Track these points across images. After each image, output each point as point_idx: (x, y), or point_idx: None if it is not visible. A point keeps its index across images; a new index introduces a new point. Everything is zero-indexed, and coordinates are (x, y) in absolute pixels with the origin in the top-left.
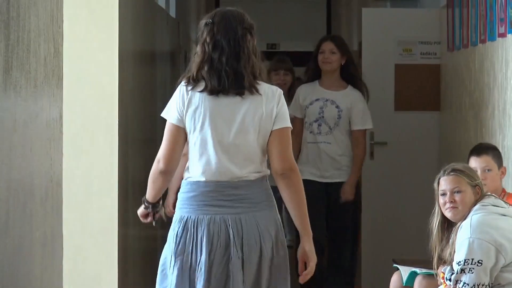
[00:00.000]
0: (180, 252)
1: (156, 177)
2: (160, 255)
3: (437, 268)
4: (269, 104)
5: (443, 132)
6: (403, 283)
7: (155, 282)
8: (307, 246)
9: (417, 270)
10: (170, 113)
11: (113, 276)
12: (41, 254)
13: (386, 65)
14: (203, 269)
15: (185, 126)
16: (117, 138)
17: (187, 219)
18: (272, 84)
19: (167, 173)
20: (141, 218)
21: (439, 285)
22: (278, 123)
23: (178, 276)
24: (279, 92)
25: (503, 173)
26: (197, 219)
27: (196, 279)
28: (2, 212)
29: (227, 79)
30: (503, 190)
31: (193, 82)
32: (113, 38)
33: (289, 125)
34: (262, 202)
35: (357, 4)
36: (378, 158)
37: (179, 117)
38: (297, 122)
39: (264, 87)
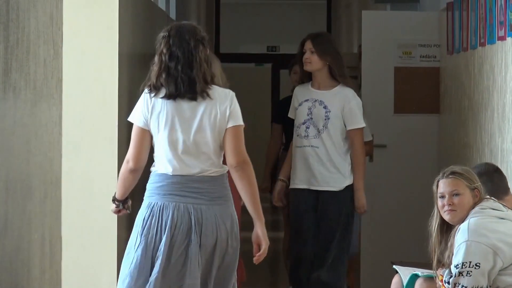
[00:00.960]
0: (146, 234)
1: (126, 176)
2: None
3: (437, 270)
4: (222, 106)
5: (442, 135)
6: (403, 286)
7: None
8: (260, 230)
9: (419, 272)
10: (137, 117)
11: (112, 277)
12: (40, 255)
13: (386, 68)
14: (162, 248)
15: (150, 128)
16: (117, 139)
17: (154, 205)
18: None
19: (136, 171)
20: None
21: None
22: (231, 122)
23: (141, 255)
24: (231, 94)
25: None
26: (163, 205)
27: (156, 258)
28: (0, 213)
29: (182, 85)
30: None
31: (154, 89)
32: (113, 40)
33: (241, 123)
34: (221, 197)
35: (357, 7)
36: (377, 161)
37: (145, 121)
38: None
39: (218, 91)
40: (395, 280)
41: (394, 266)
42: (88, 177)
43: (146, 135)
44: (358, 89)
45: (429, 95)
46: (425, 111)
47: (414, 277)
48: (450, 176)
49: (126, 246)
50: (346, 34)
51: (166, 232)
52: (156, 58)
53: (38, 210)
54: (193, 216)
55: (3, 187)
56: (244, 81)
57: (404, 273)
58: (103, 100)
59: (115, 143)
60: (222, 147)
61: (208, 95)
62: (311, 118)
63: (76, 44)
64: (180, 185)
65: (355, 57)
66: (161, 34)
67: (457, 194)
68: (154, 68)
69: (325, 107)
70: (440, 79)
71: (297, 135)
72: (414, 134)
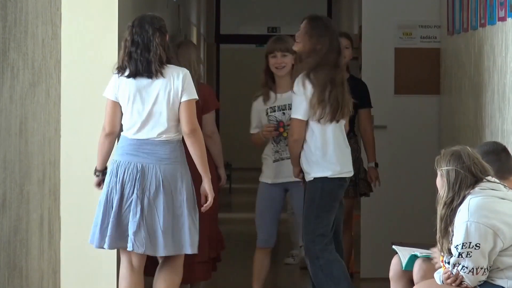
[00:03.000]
0: (107, 185)
1: (102, 141)
2: None
3: (439, 243)
4: (175, 83)
5: (442, 116)
6: (402, 267)
7: (154, 265)
8: (207, 185)
9: (417, 253)
10: (109, 93)
11: (112, 257)
12: (39, 235)
13: (386, 49)
14: (115, 198)
15: (119, 101)
16: None
17: (114, 162)
18: (273, 68)
19: (110, 135)
20: (96, 187)
21: (436, 266)
22: (184, 97)
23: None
24: (184, 72)
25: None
26: (120, 162)
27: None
28: None
29: (141, 66)
30: None
31: (121, 69)
32: (112, 21)
33: (194, 97)
34: (169, 158)
35: None
36: (378, 142)
37: (115, 95)
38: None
39: (171, 70)
40: (394, 261)
41: (393, 247)
42: (87, 158)
43: (117, 107)
44: (359, 70)
45: (430, 76)
46: (425, 92)
47: (413, 257)
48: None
49: None
50: (346, 14)
51: (118, 185)
52: (123, 44)
53: (36, 191)
54: (139, 172)
55: (1, 167)
56: (244, 62)
57: (403, 253)
58: (102, 81)
59: None
60: (176, 117)
61: (161, 73)
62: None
63: (75, 24)
64: (135, 146)
65: (355, 38)
66: (127, 24)
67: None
68: (120, 52)
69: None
70: (440, 60)
71: None
72: (414, 115)
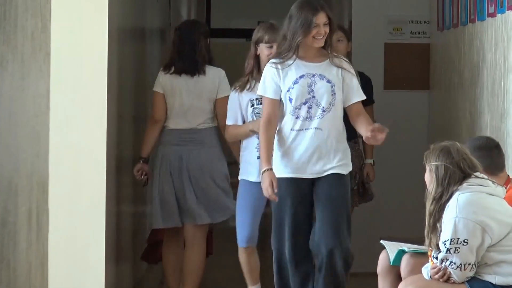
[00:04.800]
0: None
1: (150, 128)
2: (148, 230)
3: (428, 238)
4: (214, 81)
5: (432, 111)
6: (390, 262)
7: (143, 257)
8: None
9: (405, 248)
10: (157, 87)
11: (100, 249)
12: (27, 228)
13: (376, 44)
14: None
15: (165, 93)
16: (106, 114)
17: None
18: (264, 58)
19: (158, 122)
20: (136, 174)
21: (426, 262)
22: (220, 94)
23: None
24: (222, 73)
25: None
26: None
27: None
28: None
29: (187, 64)
30: (508, 179)
31: (168, 67)
32: (102, 14)
33: (227, 94)
34: (207, 142)
35: None
36: None
37: (162, 88)
38: None
39: (210, 69)
40: (382, 256)
41: (381, 242)
42: (76, 151)
43: (163, 99)
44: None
45: (419, 72)
46: (415, 88)
47: (401, 253)
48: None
49: (114, 220)
50: (336, 9)
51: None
52: (171, 45)
53: (25, 183)
54: (185, 158)
55: None
56: (235, 56)
57: (391, 249)
58: (92, 74)
59: (104, 117)
60: (212, 110)
61: (204, 72)
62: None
63: (66, 18)
64: (177, 135)
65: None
66: (175, 28)
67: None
68: (169, 52)
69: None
70: (430, 56)
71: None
72: (404, 110)
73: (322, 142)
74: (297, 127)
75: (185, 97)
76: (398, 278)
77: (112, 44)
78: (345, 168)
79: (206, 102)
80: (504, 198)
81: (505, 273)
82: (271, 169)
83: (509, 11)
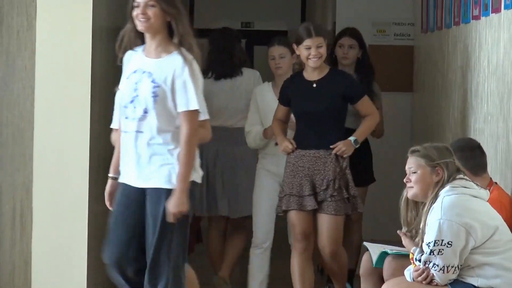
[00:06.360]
0: None
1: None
2: None
3: (405, 225)
4: (250, 82)
5: (415, 113)
6: (372, 264)
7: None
8: None
9: (388, 250)
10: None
11: (83, 249)
12: (11, 227)
13: None
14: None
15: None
16: (89, 113)
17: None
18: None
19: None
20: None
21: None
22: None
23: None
24: (257, 74)
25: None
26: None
27: None
28: None
29: (227, 69)
30: (490, 182)
31: (206, 73)
32: (87, 13)
33: None
34: (241, 141)
35: None
36: None
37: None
38: None
39: (246, 71)
40: (365, 258)
41: (364, 243)
42: (59, 149)
43: None
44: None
45: (403, 74)
46: (398, 89)
47: (384, 254)
48: (410, 154)
49: (97, 219)
50: (320, 11)
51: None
52: (207, 52)
53: (9, 182)
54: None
55: None
56: None
57: (373, 250)
58: (76, 73)
59: (88, 116)
60: (247, 109)
61: (241, 73)
62: None
63: (50, 17)
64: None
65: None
66: (210, 35)
67: (414, 172)
68: (205, 58)
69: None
70: (414, 58)
71: None
72: (387, 112)
73: None
74: None
75: (222, 99)
76: (381, 280)
77: (96, 43)
78: None
79: (242, 102)
80: (487, 201)
81: (487, 275)
82: None
83: (494, 14)
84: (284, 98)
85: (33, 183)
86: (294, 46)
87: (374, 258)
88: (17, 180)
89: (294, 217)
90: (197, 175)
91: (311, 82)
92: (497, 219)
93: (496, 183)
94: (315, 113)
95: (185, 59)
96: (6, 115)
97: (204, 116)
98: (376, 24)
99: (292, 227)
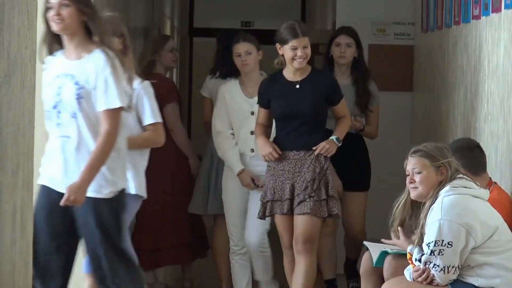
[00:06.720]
0: None
1: (206, 129)
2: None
3: (395, 230)
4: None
5: (415, 113)
6: (373, 263)
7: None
8: None
9: (388, 249)
10: (204, 91)
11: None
12: (11, 225)
13: None
14: None
15: (211, 96)
16: None
17: None
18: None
19: (207, 123)
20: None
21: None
22: None
23: None
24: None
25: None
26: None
27: None
28: None
29: (232, 68)
30: (490, 182)
31: (213, 72)
32: None
33: None
34: None
35: None
36: None
37: (209, 92)
38: None
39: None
40: (365, 257)
41: (364, 243)
42: None
43: (209, 102)
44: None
45: (403, 73)
46: (398, 89)
47: (384, 254)
48: (412, 154)
49: None
50: (320, 10)
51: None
52: (215, 53)
53: (10, 181)
54: None
55: None
56: None
57: (374, 250)
58: None
59: None
60: None
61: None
62: None
63: None
64: None
65: (329, 34)
66: (217, 37)
67: (418, 172)
68: (214, 58)
69: None
70: (414, 57)
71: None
72: (387, 112)
73: None
74: None
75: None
76: (381, 280)
77: None
78: None
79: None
80: (487, 200)
81: (487, 275)
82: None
83: (494, 13)
84: (264, 101)
85: (33, 182)
86: (278, 45)
87: (375, 257)
88: (18, 179)
89: (280, 224)
90: (127, 184)
91: (294, 83)
92: (497, 219)
93: (495, 182)
94: (299, 114)
95: (107, 56)
96: (7, 115)
97: (155, 119)
98: (376, 24)
99: (280, 235)
